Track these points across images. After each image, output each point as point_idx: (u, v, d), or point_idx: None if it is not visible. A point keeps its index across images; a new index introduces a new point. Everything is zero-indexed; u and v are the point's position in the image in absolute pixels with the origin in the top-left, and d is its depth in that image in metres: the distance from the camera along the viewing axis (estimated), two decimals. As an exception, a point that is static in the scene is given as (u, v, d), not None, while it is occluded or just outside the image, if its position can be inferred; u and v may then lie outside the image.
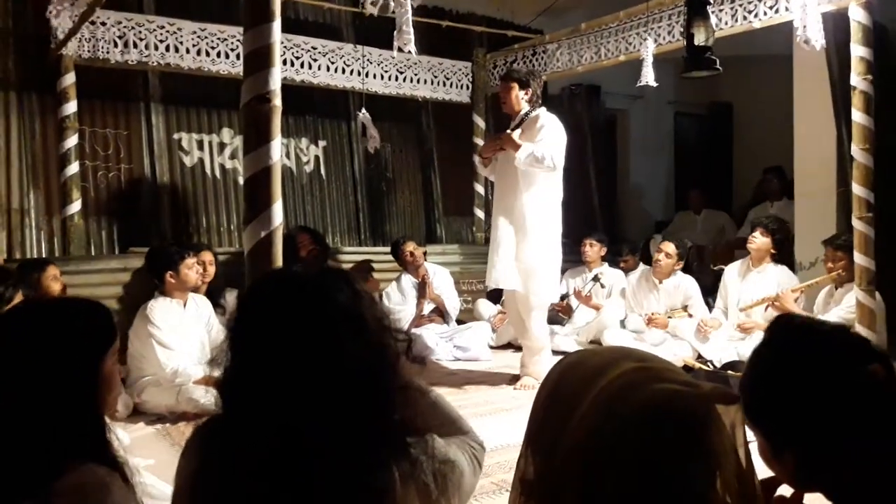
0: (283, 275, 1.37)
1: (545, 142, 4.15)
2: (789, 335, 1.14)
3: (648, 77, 4.88)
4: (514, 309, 4.57)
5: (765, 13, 4.59)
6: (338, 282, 1.16)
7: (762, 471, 0.96)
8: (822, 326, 1.15)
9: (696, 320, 5.04)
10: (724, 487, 0.80)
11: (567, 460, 0.80)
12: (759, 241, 4.87)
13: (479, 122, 6.70)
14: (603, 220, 7.60)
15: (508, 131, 4.37)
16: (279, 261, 2.15)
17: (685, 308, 5.17)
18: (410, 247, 5.69)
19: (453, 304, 5.84)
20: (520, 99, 4.36)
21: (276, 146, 2.15)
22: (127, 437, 2.90)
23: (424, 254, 5.78)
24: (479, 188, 6.87)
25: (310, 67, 5.84)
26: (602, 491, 0.76)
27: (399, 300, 5.70)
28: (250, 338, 1.13)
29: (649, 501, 0.76)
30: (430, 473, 1.13)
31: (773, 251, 4.87)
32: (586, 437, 0.79)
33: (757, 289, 4.84)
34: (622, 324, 5.48)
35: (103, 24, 5.00)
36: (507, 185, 4.34)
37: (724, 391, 0.79)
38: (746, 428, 0.85)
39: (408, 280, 5.76)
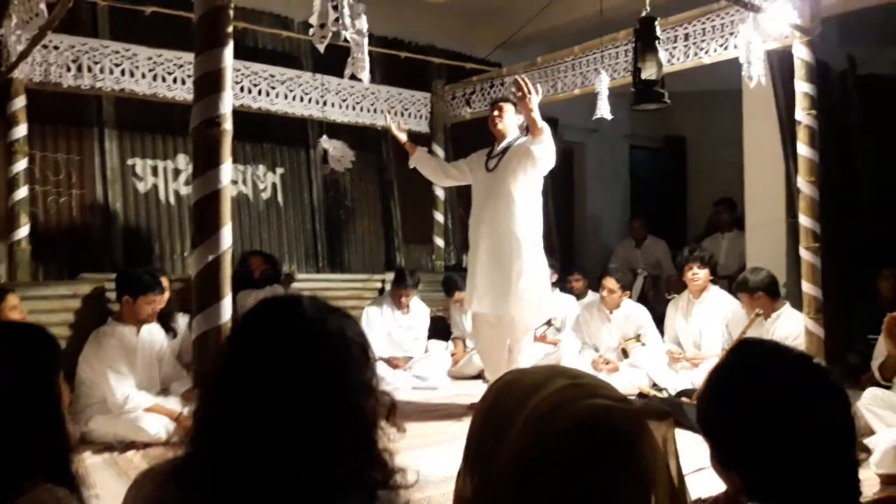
0: (281, 302, 1.34)
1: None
2: (753, 359, 1.15)
3: (604, 110, 4.97)
4: (491, 337, 4.40)
5: (714, 50, 4.73)
6: (338, 314, 1.14)
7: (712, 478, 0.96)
8: (786, 355, 1.16)
9: (651, 347, 5.10)
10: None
11: (502, 477, 0.80)
12: (700, 274, 4.96)
13: (439, 151, 6.75)
14: (560, 249, 7.68)
15: (496, 155, 4.36)
16: (227, 285, 2.12)
17: (638, 337, 5.22)
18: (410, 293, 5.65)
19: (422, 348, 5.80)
20: (514, 122, 4.38)
21: (227, 170, 2.13)
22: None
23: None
24: (439, 217, 6.90)
25: (268, 95, 5.82)
26: (538, 503, 0.76)
27: (370, 335, 5.60)
28: (235, 366, 1.08)
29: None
30: None
31: (711, 279, 4.99)
32: (520, 453, 0.79)
33: (703, 319, 4.94)
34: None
35: (56, 47, 4.93)
36: (497, 206, 4.24)
37: (656, 407, 0.80)
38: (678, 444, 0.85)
39: (380, 312, 5.67)
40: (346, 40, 2.78)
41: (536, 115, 3.94)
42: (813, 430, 1.06)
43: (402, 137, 4.54)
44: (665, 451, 0.78)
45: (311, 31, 2.56)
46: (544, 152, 4.09)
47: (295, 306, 1.13)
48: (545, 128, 4.00)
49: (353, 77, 3.01)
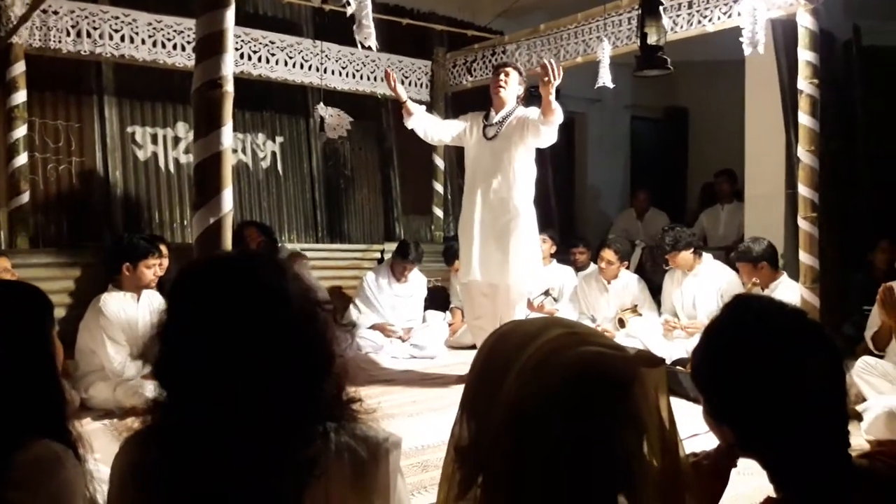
0: (207, 260, 1.39)
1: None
2: (747, 315, 1.16)
3: (605, 78, 4.95)
4: (483, 305, 4.43)
5: (718, 18, 4.70)
6: (262, 260, 1.19)
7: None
8: (779, 310, 1.17)
9: (648, 318, 5.14)
10: (651, 450, 0.82)
11: (498, 423, 0.82)
12: (681, 258, 4.97)
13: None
14: (560, 219, 7.68)
15: (495, 122, 4.34)
16: (228, 248, 2.14)
17: (635, 308, 5.26)
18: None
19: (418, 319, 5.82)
20: (515, 91, 4.35)
21: (227, 132, 2.13)
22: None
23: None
24: (439, 187, 6.89)
25: (267, 62, 5.78)
26: (533, 449, 0.78)
27: (372, 300, 5.61)
28: (180, 321, 1.12)
29: (579, 459, 0.78)
30: (365, 447, 1.13)
31: (695, 255, 5.00)
32: (516, 399, 0.81)
33: (696, 290, 4.99)
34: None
35: (55, 12, 4.89)
36: (496, 176, 4.26)
37: (649, 355, 0.82)
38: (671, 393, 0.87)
39: (376, 280, 5.68)
40: (346, 3, 2.78)
41: (553, 97, 3.94)
42: (805, 385, 1.07)
43: (403, 96, 4.48)
44: (657, 397, 0.80)
45: None
46: (552, 134, 4.12)
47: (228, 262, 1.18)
48: (559, 111, 4.00)
49: (354, 44, 2.99)
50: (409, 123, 4.53)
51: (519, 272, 4.26)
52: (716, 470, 1.17)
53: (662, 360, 0.82)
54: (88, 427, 3.51)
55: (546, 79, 3.87)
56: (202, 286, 1.13)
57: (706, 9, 4.75)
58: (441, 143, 4.85)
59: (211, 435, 1.05)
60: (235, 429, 1.05)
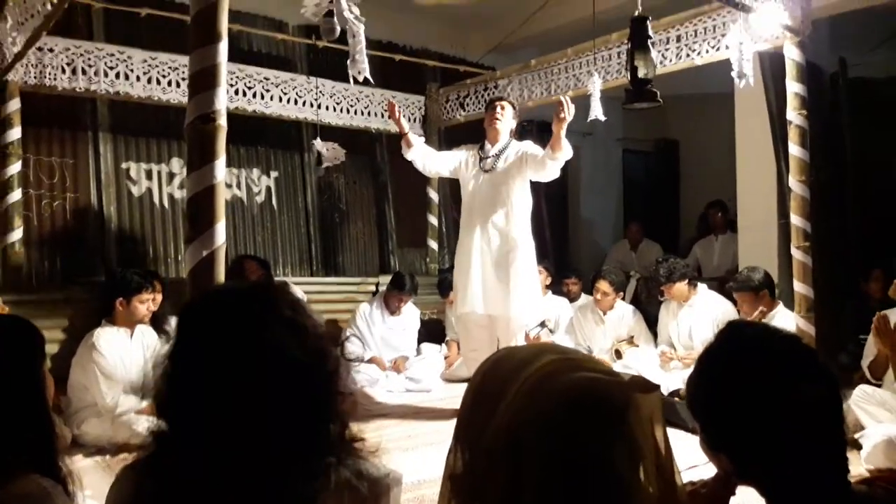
0: (218, 290, 1.37)
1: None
2: (741, 342, 1.16)
3: (597, 111, 4.99)
4: (480, 338, 4.41)
5: (707, 51, 4.76)
6: (277, 292, 1.16)
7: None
8: (773, 337, 1.16)
9: (644, 349, 5.12)
10: (647, 477, 0.81)
11: (493, 450, 0.81)
12: (676, 289, 4.98)
13: (433, 154, 6.76)
14: (554, 251, 7.70)
15: (491, 155, 4.39)
16: (221, 281, 2.13)
17: (631, 339, 5.25)
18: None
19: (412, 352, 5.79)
20: (510, 125, 4.42)
21: (221, 165, 2.14)
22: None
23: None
24: (433, 220, 6.91)
25: (262, 98, 5.83)
26: (528, 475, 0.77)
27: (365, 331, 5.58)
28: (190, 349, 1.11)
29: (574, 485, 0.77)
30: (365, 484, 1.11)
31: (690, 286, 5.01)
32: (510, 425, 0.80)
33: (692, 321, 4.99)
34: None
35: (51, 50, 4.93)
36: (495, 209, 4.31)
37: (643, 380, 0.81)
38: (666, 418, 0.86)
39: (370, 312, 5.66)
40: (342, 40, 2.81)
41: (563, 133, 4.03)
42: (800, 410, 1.07)
43: (406, 127, 4.49)
44: (652, 423, 0.80)
45: (303, 8, 2.58)
46: (557, 169, 4.20)
47: (241, 298, 1.15)
48: (568, 147, 4.07)
49: (354, 81, 3.02)
50: (409, 155, 4.54)
51: (520, 303, 4.28)
52: (714, 499, 1.16)
53: (657, 386, 0.81)
54: (81, 464, 3.48)
55: (562, 115, 3.95)
56: (217, 315, 1.11)
57: (694, 42, 4.82)
58: (438, 175, 4.89)
59: (211, 468, 1.03)
60: (236, 463, 1.03)
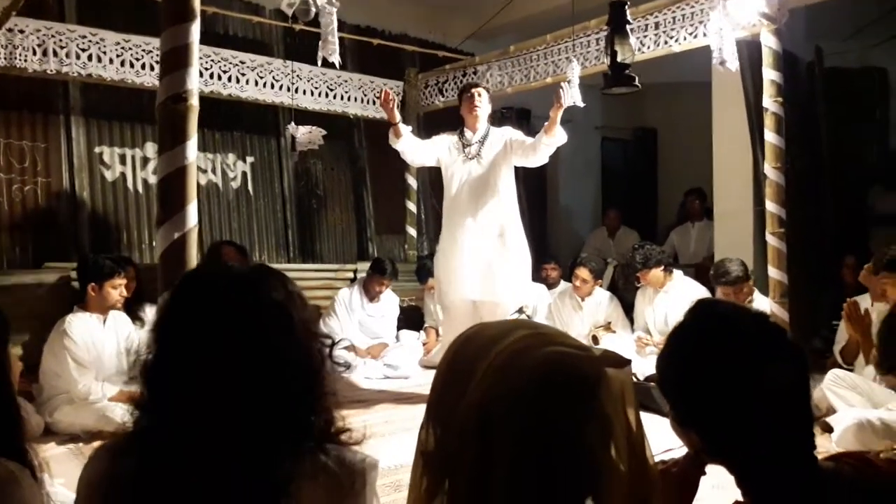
0: (215, 269, 1.33)
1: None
2: (710, 320, 1.16)
3: (576, 98, 4.99)
4: (467, 326, 4.42)
5: (684, 38, 4.77)
6: (272, 279, 1.15)
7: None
8: (742, 315, 1.17)
9: (621, 335, 5.15)
10: (618, 453, 0.81)
11: (464, 425, 0.80)
12: (652, 275, 5.02)
13: (411, 140, 6.73)
14: (533, 239, 7.69)
15: (474, 142, 4.40)
16: (193, 264, 2.10)
17: (608, 325, 5.28)
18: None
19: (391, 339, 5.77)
20: (488, 109, 4.43)
21: (192, 146, 2.11)
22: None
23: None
24: (412, 206, 6.89)
25: (238, 81, 5.76)
26: (499, 452, 0.76)
27: (344, 317, 5.55)
28: (180, 330, 1.09)
29: (545, 461, 0.76)
30: (344, 470, 1.11)
31: (665, 272, 5.04)
32: (482, 400, 0.79)
33: (667, 307, 5.01)
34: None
35: (21, 31, 4.83)
36: (483, 196, 4.32)
37: (614, 355, 0.81)
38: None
39: (356, 302, 5.61)
40: (317, 22, 2.78)
41: (559, 118, 4.17)
42: (769, 388, 1.07)
43: (397, 117, 4.42)
44: (623, 397, 0.79)
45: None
46: (547, 154, 4.26)
47: (226, 276, 1.15)
48: (563, 132, 4.19)
49: (325, 63, 2.98)
50: (398, 145, 4.49)
51: (511, 288, 4.34)
52: (684, 478, 1.16)
53: (628, 361, 0.81)
54: (54, 451, 3.44)
55: (561, 101, 4.06)
56: (210, 293, 1.10)
57: (672, 29, 4.83)
58: (423, 165, 4.84)
59: (191, 446, 1.03)
60: (216, 443, 1.03)
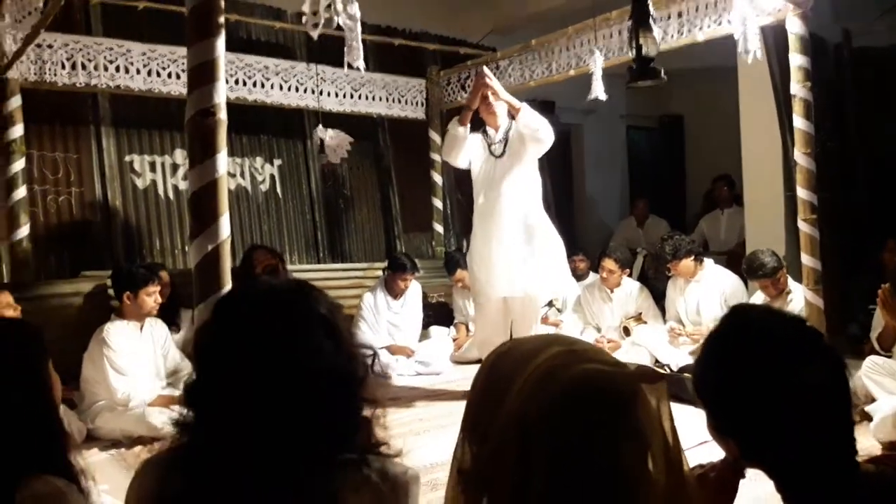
0: (259, 285, 1.34)
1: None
2: (745, 327, 1.16)
3: (598, 91, 4.98)
4: (497, 322, 4.40)
5: (708, 26, 4.71)
6: (315, 292, 1.16)
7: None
8: (778, 320, 1.16)
9: (652, 325, 5.12)
10: (655, 467, 0.82)
11: (500, 442, 0.81)
12: (682, 266, 4.96)
13: (436, 137, 6.74)
14: (560, 230, 7.67)
15: (497, 140, 4.39)
16: (227, 275, 2.14)
17: (639, 316, 5.25)
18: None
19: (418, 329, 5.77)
20: (504, 109, 4.36)
21: (222, 159, 2.14)
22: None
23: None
24: (438, 203, 6.90)
25: (262, 86, 5.82)
26: (536, 468, 0.78)
27: (373, 322, 5.57)
28: (226, 352, 1.10)
29: (583, 476, 0.77)
30: (387, 484, 1.12)
31: (696, 262, 4.98)
32: (517, 418, 0.80)
33: (699, 296, 4.98)
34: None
35: (50, 46, 4.93)
36: (511, 191, 4.30)
37: (649, 370, 0.81)
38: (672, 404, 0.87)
39: (374, 300, 5.61)
40: (339, 27, 2.79)
41: (507, 97, 4.23)
42: (807, 394, 1.07)
43: (478, 102, 4.37)
44: (659, 413, 0.80)
45: (304, 18, 2.56)
46: (533, 123, 4.20)
47: (272, 293, 1.16)
48: (521, 104, 4.21)
49: (349, 66, 2.99)
50: (460, 130, 4.38)
51: (545, 280, 4.36)
52: (722, 482, 1.17)
53: (662, 376, 0.81)
54: (96, 458, 3.52)
55: (487, 100, 4.22)
56: (258, 312, 1.11)
57: (696, 18, 4.77)
58: (456, 161, 4.64)
59: (238, 463, 1.04)
60: (264, 460, 1.04)
